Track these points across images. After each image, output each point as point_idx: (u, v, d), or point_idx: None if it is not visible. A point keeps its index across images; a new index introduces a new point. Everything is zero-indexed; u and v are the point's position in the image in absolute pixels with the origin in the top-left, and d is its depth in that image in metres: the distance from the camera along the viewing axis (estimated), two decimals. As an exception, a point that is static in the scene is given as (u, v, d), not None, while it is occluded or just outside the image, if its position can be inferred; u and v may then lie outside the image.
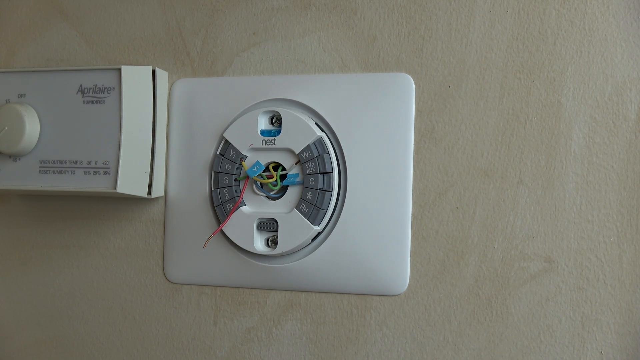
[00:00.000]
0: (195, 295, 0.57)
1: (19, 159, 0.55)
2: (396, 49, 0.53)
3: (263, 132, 0.53)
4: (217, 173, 0.55)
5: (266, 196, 0.54)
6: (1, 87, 0.56)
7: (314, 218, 0.52)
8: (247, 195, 0.54)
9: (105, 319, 0.59)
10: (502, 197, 0.50)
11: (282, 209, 0.53)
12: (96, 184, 0.53)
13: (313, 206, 0.52)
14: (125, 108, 0.53)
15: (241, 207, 0.54)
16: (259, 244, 0.53)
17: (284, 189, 0.53)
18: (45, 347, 0.60)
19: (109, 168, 0.53)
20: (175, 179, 0.57)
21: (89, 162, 0.53)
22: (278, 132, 0.53)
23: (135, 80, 0.54)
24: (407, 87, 0.52)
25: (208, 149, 0.56)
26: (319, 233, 0.53)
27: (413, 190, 0.52)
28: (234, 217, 0.53)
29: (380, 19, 0.53)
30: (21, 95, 0.55)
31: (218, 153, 0.55)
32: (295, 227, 0.52)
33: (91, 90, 0.54)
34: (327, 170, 0.52)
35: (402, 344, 0.52)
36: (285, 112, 0.53)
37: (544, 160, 0.49)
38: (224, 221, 0.54)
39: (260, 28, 0.56)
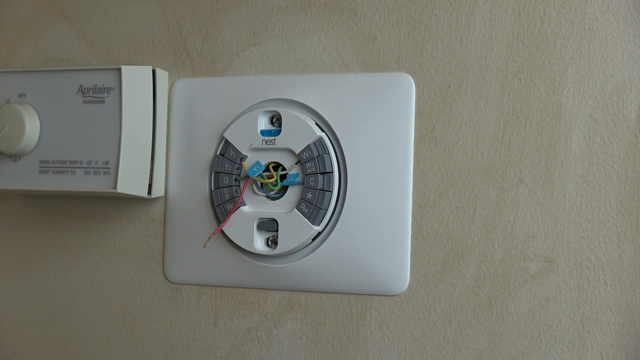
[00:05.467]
0: (195, 295, 0.57)
1: (19, 159, 0.55)
2: (396, 49, 0.53)
3: (263, 132, 0.53)
4: (217, 173, 0.55)
5: (266, 196, 0.54)
6: (1, 87, 0.56)
7: (314, 218, 0.52)
8: (247, 195, 0.54)
9: (105, 319, 0.59)
10: (502, 197, 0.50)
11: (282, 209, 0.53)
12: (96, 184, 0.53)
13: (313, 206, 0.52)
14: (125, 108, 0.53)
15: (241, 207, 0.54)
16: (259, 244, 0.53)
17: (284, 189, 0.53)
18: (45, 347, 0.60)
19: (109, 168, 0.53)
20: (175, 179, 0.57)
21: (89, 162, 0.53)
22: (278, 132, 0.53)
23: (135, 80, 0.54)
24: (407, 87, 0.52)
25: (208, 149, 0.56)
26: (319, 233, 0.53)
27: (413, 190, 0.52)
28: (234, 217, 0.53)
29: (380, 19, 0.53)
30: (21, 95, 0.55)
31: (218, 153, 0.55)
32: (295, 227, 0.52)
33: (91, 90, 0.54)
34: (327, 170, 0.52)
35: (402, 344, 0.52)
36: (285, 112, 0.53)
37: (544, 160, 0.49)
38: (224, 221, 0.53)
39: (260, 28, 0.56)
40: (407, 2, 0.52)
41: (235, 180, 0.54)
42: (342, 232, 0.52)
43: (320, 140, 0.52)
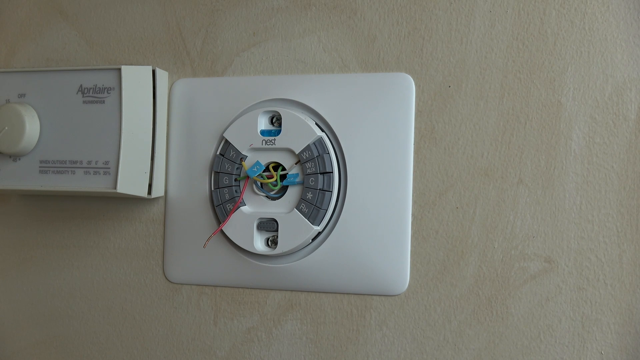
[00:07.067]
0: (195, 295, 0.57)
1: (19, 159, 0.55)
2: (396, 49, 0.53)
3: (263, 132, 0.53)
4: (217, 173, 0.55)
5: (266, 196, 0.54)
6: (1, 87, 0.56)
7: (314, 218, 0.52)
8: (247, 195, 0.54)
9: (105, 319, 0.59)
10: (502, 197, 0.50)
11: (282, 209, 0.53)
12: (96, 184, 0.53)
13: (313, 206, 0.52)
14: (125, 108, 0.53)
15: (241, 207, 0.54)
16: (259, 244, 0.53)
17: (284, 189, 0.53)
18: (45, 347, 0.60)
19: (109, 168, 0.53)
20: (175, 179, 0.57)
21: (89, 162, 0.53)
22: (278, 132, 0.53)
23: (135, 80, 0.54)
24: (407, 87, 0.52)
25: (208, 149, 0.56)
26: (319, 233, 0.53)
27: (413, 190, 0.52)
28: (234, 217, 0.53)
29: (380, 19, 0.53)
30: (21, 95, 0.55)
31: (218, 153, 0.55)
32: (295, 227, 0.52)
33: (91, 90, 0.54)
34: (327, 170, 0.52)
35: (402, 344, 0.52)
36: (285, 112, 0.53)
37: (544, 160, 0.49)
38: (224, 221, 0.54)
39: (260, 28, 0.56)
40: (407, 2, 0.52)
41: (235, 180, 0.54)
42: (342, 232, 0.52)
43: (320, 140, 0.52)
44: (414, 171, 0.52)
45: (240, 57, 0.56)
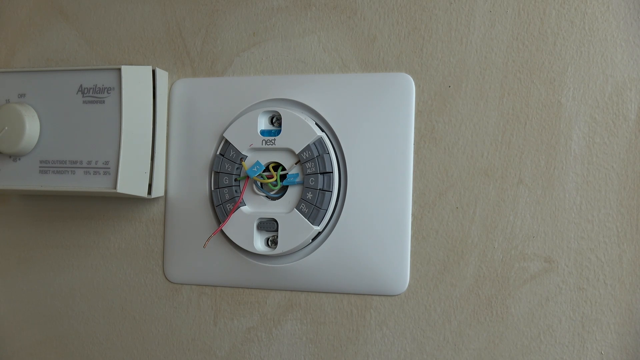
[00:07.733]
0: (195, 295, 0.57)
1: (19, 159, 0.55)
2: (396, 49, 0.53)
3: (263, 132, 0.53)
4: (217, 173, 0.55)
5: (266, 196, 0.54)
6: (1, 87, 0.56)
7: (314, 218, 0.52)
8: (247, 195, 0.54)
9: (105, 319, 0.59)
10: (502, 197, 0.50)
11: (282, 209, 0.53)
12: (96, 184, 0.53)
13: (313, 206, 0.52)
14: (125, 108, 0.53)
15: (241, 207, 0.54)
16: (259, 244, 0.53)
17: (284, 189, 0.53)
18: (45, 347, 0.60)
19: (109, 168, 0.53)
20: (175, 179, 0.57)
21: (89, 162, 0.53)
22: (278, 132, 0.53)
23: (135, 80, 0.54)
24: (407, 87, 0.52)
25: (208, 149, 0.56)
26: (319, 233, 0.53)
27: (413, 190, 0.52)
28: (234, 217, 0.53)
29: (380, 19, 0.53)
30: (21, 95, 0.55)
31: (218, 153, 0.55)
32: (295, 227, 0.52)
33: (91, 90, 0.54)
34: (327, 170, 0.52)
35: (402, 344, 0.52)
36: (285, 112, 0.53)
37: (544, 160, 0.49)
38: (224, 221, 0.54)
39: (260, 28, 0.56)
40: (407, 2, 0.52)
41: (235, 180, 0.54)
42: (342, 232, 0.52)
43: (320, 140, 0.52)
44: (414, 171, 0.52)
45: (240, 57, 0.56)
